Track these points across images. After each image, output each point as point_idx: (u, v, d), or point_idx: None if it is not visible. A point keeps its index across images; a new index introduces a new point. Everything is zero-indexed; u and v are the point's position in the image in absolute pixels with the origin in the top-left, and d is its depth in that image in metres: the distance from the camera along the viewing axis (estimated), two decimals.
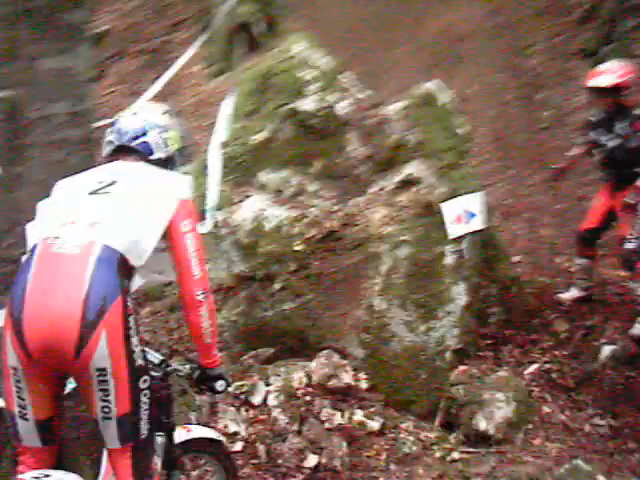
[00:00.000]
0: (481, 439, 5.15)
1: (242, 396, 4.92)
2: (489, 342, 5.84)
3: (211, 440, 3.73)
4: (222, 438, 3.85)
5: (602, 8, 10.41)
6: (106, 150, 3.41)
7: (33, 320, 2.79)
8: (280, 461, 4.78)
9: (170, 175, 3.30)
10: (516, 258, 6.98)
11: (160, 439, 3.33)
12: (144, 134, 3.36)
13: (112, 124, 3.43)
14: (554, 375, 5.72)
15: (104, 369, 2.80)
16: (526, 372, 5.73)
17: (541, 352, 5.90)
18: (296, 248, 5.45)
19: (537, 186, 8.44)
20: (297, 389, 5.06)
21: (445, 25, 11.54)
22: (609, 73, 5.96)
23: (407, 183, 5.68)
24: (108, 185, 3.11)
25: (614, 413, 5.40)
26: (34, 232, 3.09)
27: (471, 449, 5.07)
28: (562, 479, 4.36)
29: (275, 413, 4.94)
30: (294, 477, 4.73)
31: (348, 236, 5.56)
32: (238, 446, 4.76)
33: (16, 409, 2.92)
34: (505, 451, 5.02)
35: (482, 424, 5.16)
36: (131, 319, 2.90)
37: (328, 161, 5.82)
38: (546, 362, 5.82)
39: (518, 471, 4.65)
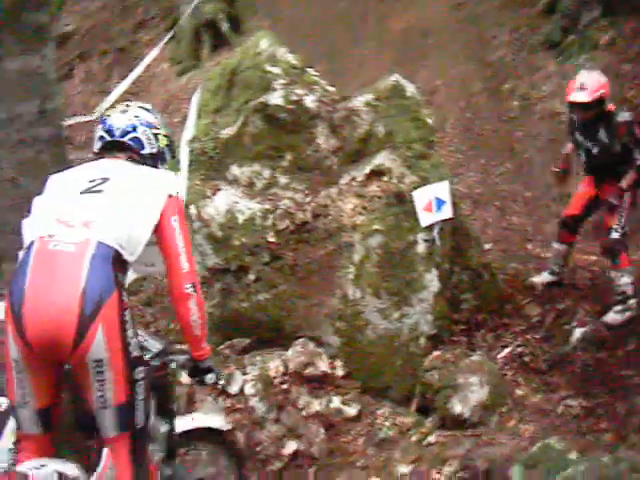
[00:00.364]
0: (456, 423, 5.22)
1: (219, 386, 4.95)
2: (462, 327, 5.92)
3: (214, 430, 3.80)
4: (228, 426, 3.89)
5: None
6: (97, 145, 3.51)
7: (33, 315, 2.91)
8: (259, 449, 4.84)
9: (158, 172, 3.44)
10: (487, 245, 7.08)
11: (163, 427, 3.44)
12: (134, 129, 3.48)
13: (101, 121, 3.54)
14: (526, 358, 5.80)
15: (101, 360, 2.92)
16: (499, 356, 5.82)
17: (513, 336, 5.98)
18: (269, 239, 5.50)
19: (506, 174, 8.56)
20: (274, 378, 5.11)
21: (411, 20, 11.63)
22: (588, 88, 5.99)
23: (377, 173, 5.74)
24: (100, 183, 3.21)
25: (586, 394, 5.47)
26: (30, 229, 3.19)
27: (447, 432, 5.14)
28: (534, 457, 4.41)
29: (253, 402, 4.99)
30: (273, 464, 4.78)
31: (320, 227, 5.61)
32: None
33: (18, 399, 3.04)
34: (480, 434, 5.09)
35: (457, 408, 5.24)
36: (126, 312, 3.02)
37: (298, 154, 5.86)
38: (518, 346, 5.90)
39: (493, 452, 4.71)
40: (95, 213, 3.12)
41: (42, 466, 2.95)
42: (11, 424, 3.90)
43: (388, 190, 5.70)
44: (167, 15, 12.86)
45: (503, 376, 5.60)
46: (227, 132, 5.86)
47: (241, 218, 5.58)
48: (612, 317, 6.00)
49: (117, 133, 3.47)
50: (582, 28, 10.13)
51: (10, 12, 4.58)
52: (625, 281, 6.05)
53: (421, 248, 5.69)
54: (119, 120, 3.50)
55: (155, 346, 3.39)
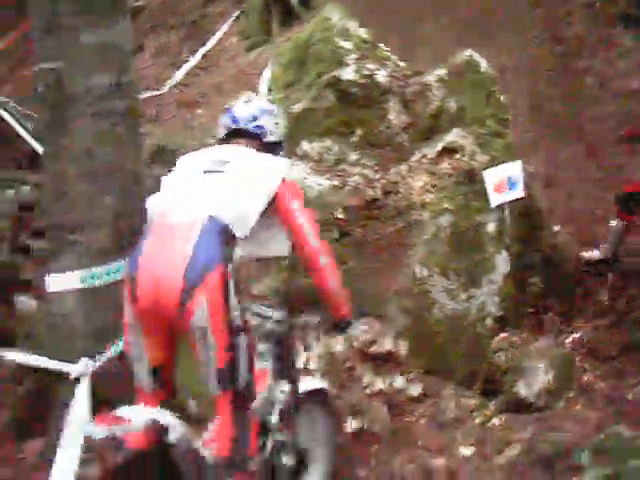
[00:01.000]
0: (521, 406, 5.17)
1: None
2: (530, 310, 5.84)
3: (319, 391, 4.01)
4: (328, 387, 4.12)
5: None
6: (221, 133, 3.82)
7: (144, 283, 3.22)
8: None
9: (274, 158, 3.65)
10: (556, 227, 6.95)
11: (286, 388, 3.68)
12: (257, 118, 3.75)
13: (226, 110, 3.84)
14: (595, 344, 5.71)
15: (204, 327, 3.17)
16: (567, 341, 5.74)
17: (583, 321, 5.90)
18: (338, 216, 5.48)
19: (577, 155, 8.37)
20: (338, 354, 5.11)
21: None
22: None
23: (448, 151, 5.68)
24: (221, 165, 3.50)
25: None
26: (153, 204, 3.52)
27: (511, 416, 5.09)
28: (603, 444, 4.34)
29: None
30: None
31: (390, 204, 5.58)
32: None
33: (134, 355, 3.38)
34: (545, 418, 5.02)
35: (522, 391, 5.19)
36: (230, 284, 3.22)
37: (369, 129, 5.84)
38: (587, 331, 5.82)
39: (558, 437, 4.64)
40: (211, 190, 3.40)
41: (140, 412, 3.16)
42: (83, 389, 4.07)
43: (459, 168, 5.65)
44: None
45: (570, 361, 5.52)
46: (298, 107, 5.85)
47: (310, 194, 5.57)
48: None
49: (242, 121, 3.74)
50: None
51: None
52: None
53: (491, 228, 5.62)
54: (244, 109, 3.80)
55: (273, 313, 3.65)
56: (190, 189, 3.44)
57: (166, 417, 3.17)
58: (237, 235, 3.35)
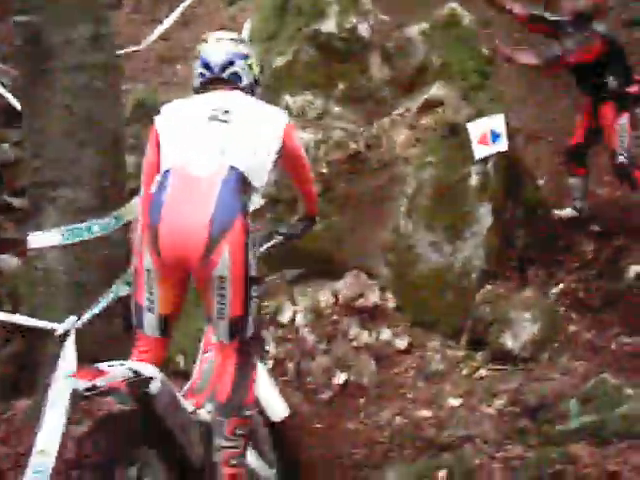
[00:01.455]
0: (508, 358, 5.17)
1: (268, 316, 4.99)
2: (515, 263, 5.84)
3: None
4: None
5: None
6: (197, 81, 3.75)
7: (168, 234, 3.26)
8: (309, 379, 4.87)
9: (267, 105, 3.71)
10: (541, 181, 6.95)
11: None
12: (232, 64, 3.70)
13: (197, 57, 3.74)
14: (580, 295, 5.72)
15: (224, 277, 3.26)
16: (552, 292, 5.75)
17: (567, 272, 5.91)
18: (321, 170, 5.44)
19: (565, 110, 8.32)
20: (324, 309, 5.11)
21: None
22: None
23: (431, 104, 5.63)
24: (223, 114, 3.49)
25: None
26: (166, 157, 3.47)
27: (498, 367, 5.12)
28: (589, 393, 4.38)
29: (303, 332, 5.01)
30: (323, 394, 4.81)
31: (373, 158, 5.55)
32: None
33: (145, 302, 3.41)
34: (531, 369, 5.05)
35: (508, 343, 5.20)
36: (250, 235, 3.32)
37: (351, 83, 5.79)
38: (572, 282, 5.82)
39: (545, 388, 4.67)
40: (227, 141, 3.42)
41: (120, 364, 3.12)
42: (69, 347, 4.05)
43: (442, 122, 5.61)
44: None
45: (556, 312, 5.54)
46: (279, 60, 5.78)
47: None
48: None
49: (216, 69, 3.69)
50: None
51: None
52: None
53: (475, 181, 5.60)
54: (215, 55, 3.71)
55: None
56: (203, 139, 3.45)
57: (148, 369, 3.16)
58: (254, 184, 3.43)
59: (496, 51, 6.05)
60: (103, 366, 3.05)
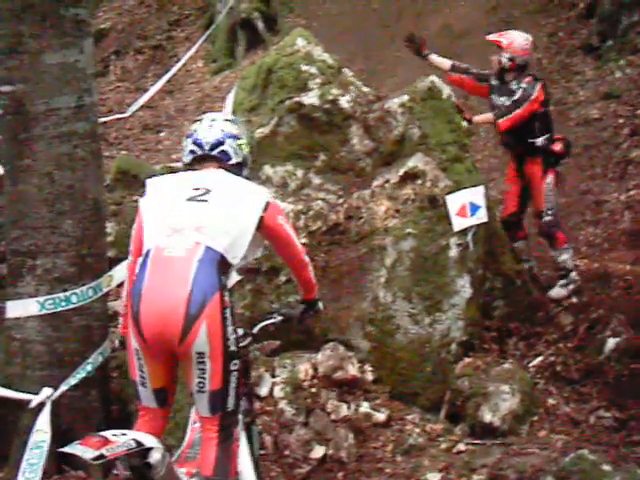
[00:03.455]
0: (486, 431, 5.15)
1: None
2: (494, 335, 5.85)
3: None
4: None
5: (603, 3, 10.43)
6: (187, 158, 3.90)
7: (147, 314, 3.39)
8: (287, 452, 4.81)
9: (251, 184, 3.85)
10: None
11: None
12: (222, 143, 3.85)
13: (189, 136, 3.91)
14: (559, 368, 5.73)
15: (203, 353, 3.38)
16: (531, 365, 5.76)
17: (546, 345, 5.91)
18: (301, 241, 5.45)
19: None
20: (303, 381, 5.07)
21: (445, 22, 11.57)
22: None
23: (411, 176, 5.69)
24: (204, 193, 3.62)
25: (619, 405, 5.39)
26: (148, 238, 3.60)
27: (477, 441, 5.07)
28: (567, 468, 4.35)
29: (282, 405, 4.95)
30: (301, 468, 4.75)
31: (353, 229, 5.58)
32: None
33: (138, 379, 3.54)
34: (510, 443, 5.02)
35: (487, 416, 5.18)
36: (227, 311, 3.45)
37: (332, 155, 5.84)
38: (551, 355, 5.83)
39: (523, 462, 4.63)
40: (204, 221, 3.54)
41: (123, 435, 3.23)
42: (44, 418, 4.07)
43: (421, 193, 5.66)
44: (202, 13, 12.89)
45: (534, 385, 5.54)
46: (261, 131, 5.84)
47: None
48: (557, 291, 6.46)
49: (207, 147, 3.84)
50: (621, 32, 10.02)
51: (50, 5, 4.59)
52: (564, 257, 6.53)
53: (454, 253, 5.63)
54: (207, 134, 3.86)
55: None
56: (182, 220, 3.56)
57: (148, 439, 3.27)
58: (232, 262, 3.55)
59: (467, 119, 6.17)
60: (108, 435, 3.17)
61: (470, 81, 6.82)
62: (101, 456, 3.05)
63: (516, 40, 6.50)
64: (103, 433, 3.23)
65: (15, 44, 4.60)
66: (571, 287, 6.44)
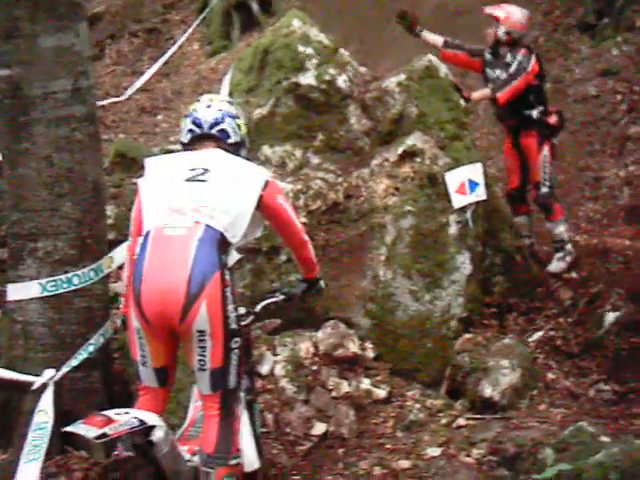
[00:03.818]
0: (486, 406, 5.20)
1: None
2: (494, 310, 5.89)
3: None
4: None
5: None
6: (186, 137, 3.93)
7: (148, 293, 3.44)
8: (288, 429, 4.85)
9: (249, 163, 3.88)
10: None
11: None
12: (221, 122, 3.89)
13: (188, 115, 3.94)
14: (558, 342, 5.77)
15: (203, 331, 3.43)
16: (530, 339, 5.79)
17: (545, 320, 5.96)
18: (301, 220, 5.47)
19: None
20: (304, 359, 5.10)
21: (441, 1, 11.51)
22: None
23: (410, 154, 5.71)
24: (202, 173, 3.66)
25: (618, 379, 5.43)
26: (147, 218, 3.63)
27: (477, 416, 5.12)
28: (566, 441, 4.38)
29: (283, 383, 4.99)
30: (302, 445, 4.79)
31: (352, 208, 5.60)
32: None
33: (139, 358, 3.59)
34: (510, 417, 5.06)
35: (487, 391, 5.22)
36: (227, 290, 3.49)
37: (330, 134, 5.84)
38: (550, 329, 5.88)
39: (523, 436, 4.67)
40: (203, 201, 3.57)
41: (126, 413, 3.29)
42: (46, 400, 4.17)
43: (420, 171, 5.68)
44: None
45: (534, 360, 5.58)
46: (259, 112, 5.85)
47: None
48: (555, 265, 6.50)
49: (206, 126, 3.88)
50: (617, 10, 9.98)
51: None
52: (560, 230, 6.57)
53: (453, 230, 5.66)
54: (206, 113, 3.90)
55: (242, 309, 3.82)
56: (181, 200, 3.59)
57: (151, 418, 3.33)
58: (231, 241, 3.59)
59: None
60: (111, 414, 3.23)
61: (464, 56, 6.83)
62: (104, 435, 3.10)
63: (514, 14, 6.50)
64: (106, 412, 3.28)
65: (11, 28, 4.60)
66: (568, 259, 6.49)
